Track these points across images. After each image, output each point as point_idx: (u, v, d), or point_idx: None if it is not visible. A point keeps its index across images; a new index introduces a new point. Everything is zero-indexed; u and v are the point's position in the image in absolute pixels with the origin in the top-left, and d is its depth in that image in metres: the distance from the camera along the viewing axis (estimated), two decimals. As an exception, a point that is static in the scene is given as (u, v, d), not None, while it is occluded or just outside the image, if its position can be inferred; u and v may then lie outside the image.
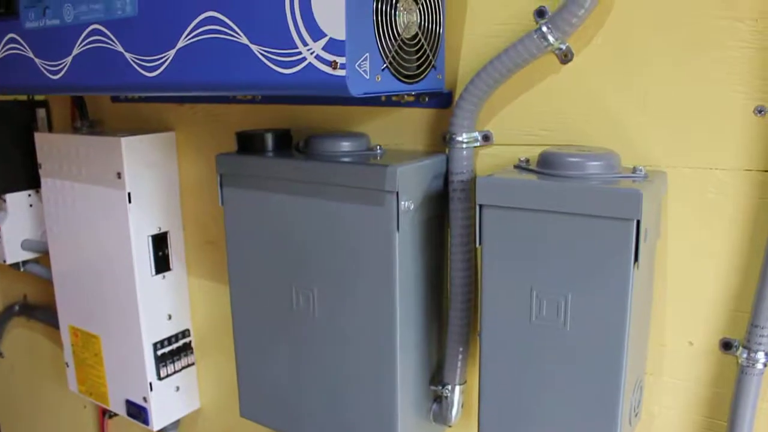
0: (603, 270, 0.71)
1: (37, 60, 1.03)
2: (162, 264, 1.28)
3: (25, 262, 1.55)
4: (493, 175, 0.76)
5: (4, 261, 1.50)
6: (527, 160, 0.81)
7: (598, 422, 0.76)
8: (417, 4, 0.80)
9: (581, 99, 0.83)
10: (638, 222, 0.68)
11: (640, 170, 0.75)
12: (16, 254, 1.51)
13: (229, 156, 0.97)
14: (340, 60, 0.69)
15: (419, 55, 0.82)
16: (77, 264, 1.34)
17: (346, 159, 0.88)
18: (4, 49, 1.07)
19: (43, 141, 1.34)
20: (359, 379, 0.91)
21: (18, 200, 1.48)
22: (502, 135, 0.89)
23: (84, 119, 1.36)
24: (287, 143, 1.00)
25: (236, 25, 0.76)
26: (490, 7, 0.86)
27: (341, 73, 0.69)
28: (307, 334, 0.94)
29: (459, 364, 0.94)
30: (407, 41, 0.79)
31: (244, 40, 0.76)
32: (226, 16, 0.77)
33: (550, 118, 0.85)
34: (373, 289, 0.86)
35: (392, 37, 0.76)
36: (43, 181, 1.36)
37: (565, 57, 0.82)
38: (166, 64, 0.85)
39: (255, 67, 0.75)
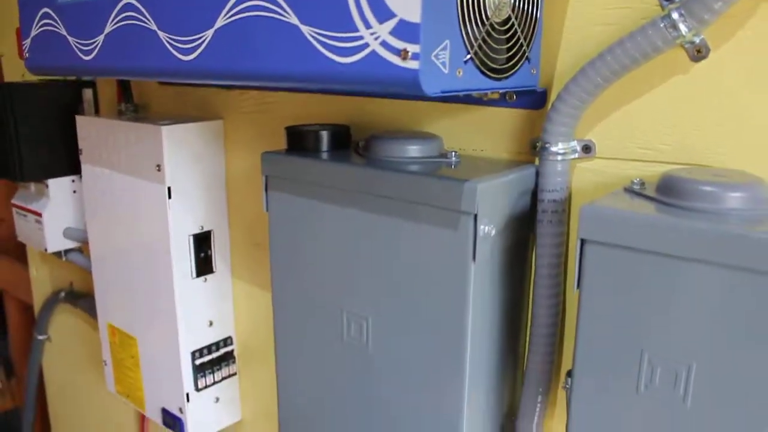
0: (752, 336, 0.53)
1: (70, 38, 0.91)
2: (204, 266, 1.15)
3: (67, 251, 1.45)
4: (601, 203, 0.59)
5: (45, 249, 1.41)
6: (642, 183, 0.64)
7: None
8: (511, -21, 0.64)
9: (715, 108, 0.65)
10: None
11: (797, 205, 0.57)
12: (57, 242, 1.42)
13: (276, 155, 0.83)
14: (413, 48, 0.53)
15: (511, 44, 0.66)
16: (116, 259, 1.24)
17: (413, 167, 0.73)
18: (39, 25, 0.96)
19: (83, 125, 1.23)
20: (417, 425, 0.77)
21: (61, 186, 1.38)
22: (606, 147, 0.72)
23: (128, 102, 1.24)
24: (345, 143, 0.85)
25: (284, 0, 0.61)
26: (601, -14, 0.69)
27: (413, 65, 0.53)
28: (358, 368, 0.80)
29: (536, 416, 0.78)
30: (497, 26, 0.63)
31: (294, 19, 0.61)
32: (273, -10, 0.62)
33: (671, 129, 0.68)
34: (439, 325, 0.71)
35: (480, 21, 0.60)
36: (83, 167, 1.25)
37: (698, 53, 0.65)
38: (203, 46, 0.71)
39: (306, 53, 0.60)
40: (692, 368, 0.56)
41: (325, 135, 0.82)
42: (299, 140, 0.83)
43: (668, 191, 0.59)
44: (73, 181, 1.39)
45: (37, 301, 1.85)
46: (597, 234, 0.58)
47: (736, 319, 0.53)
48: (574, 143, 0.72)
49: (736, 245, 0.52)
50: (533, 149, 0.76)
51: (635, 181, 0.64)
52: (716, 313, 0.54)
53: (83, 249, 1.45)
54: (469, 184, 0.64)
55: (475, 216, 0.65)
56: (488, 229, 0.66)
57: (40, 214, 1.38)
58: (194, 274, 1.14)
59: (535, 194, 0.74)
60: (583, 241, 0.59)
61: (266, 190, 0.85)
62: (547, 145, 0.71)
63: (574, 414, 0.64)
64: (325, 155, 0.81)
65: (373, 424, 0.81)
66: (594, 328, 0.60)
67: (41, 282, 1.83)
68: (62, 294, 1.72)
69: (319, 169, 0.78)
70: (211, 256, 1.16)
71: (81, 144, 1.24)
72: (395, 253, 0.73)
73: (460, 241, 0.66)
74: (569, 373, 0.65)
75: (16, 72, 1.60)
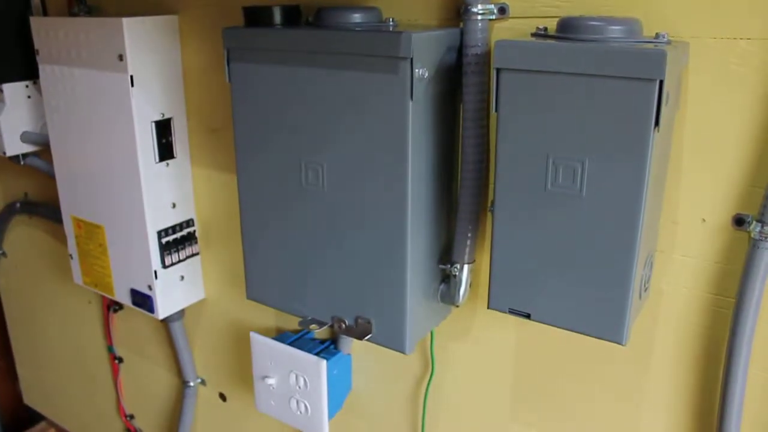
0: (622, 133, 0.70)
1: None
2: (166, 151, 1.26)
3: (25, 155, 1.53)
4: (511, 39, 0.74)
5: (4, 153, 1.48)
6: (545, 28, 0.79)
7: (610, 293, 0.77)
8: None
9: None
10: (661, 83, 0.66)
11: (663, 36, 0.73)
12: (15, 147, 1.49)
13: (236, 29, 0.94)
14: None
15: None
16: (79, 152, 1.32)
17: (357, 29, 0.86)
18: None
19: (39, 25, 1.29)
20: (368, 256, 0.91)
21: (16, 91, 1.45)
22: (518, 8, 0.86)
23: (81, 4, 1.31)
24: (296, 18, 0.97)
25: None
26: None
27: None
28: (316, 210, 0.94)
29: (468, 242, 0.93)
30: None
31: None
32: None
33: (569, -13, 0.83)
34: (384, 162, 0.85)
35: None
36: (41, 68, 1.32)
37: None
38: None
39: None
40: (585, 164, 0.72)
41: (278, 10, 0.94)
42: (255, 17, 0.95)
43: (564, 30, 0.74)
44: (27, 86, 1.46)
45: (-10, 218, 1.90)
46: (509, 62, 0.73)
47: (610, 118, 0.69)
48: (492, 6, 0.86)
49: (616, 58, 0.67)
50: (458, 15, 0.89)
51: (540, 27, 0.79)
52: (598, 115, 0.70)
53: (39, 154, 1.53)
54: (405, 34, 0.78)
55: (411, 60, 0.78)
56: (422, 72, 0.80)
57: (-4, 119, 1.45)
58: (157, 159, 1.24)
59: (461, 51, 0.88)
60: (498, 70, 0.74)
61: (228, 62, 0.96)
62: (468, 7, 0.85)
63: (498, 214, 0.80)
64: (279, 28, 0.93)
65: (331, 256, 0.95)
66: (510, 141, 0.76)
67: (-8, 199, 1.88)
68: (17, 205, 1.78)
69: (275, 36, 0.90)
70: (171, 142, 1.26)
71: (38, 45, 1.31)
72: (344, 103, 0.86)
73: (400, 83, 0.80)
74: (493, 202, 0.80)
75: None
